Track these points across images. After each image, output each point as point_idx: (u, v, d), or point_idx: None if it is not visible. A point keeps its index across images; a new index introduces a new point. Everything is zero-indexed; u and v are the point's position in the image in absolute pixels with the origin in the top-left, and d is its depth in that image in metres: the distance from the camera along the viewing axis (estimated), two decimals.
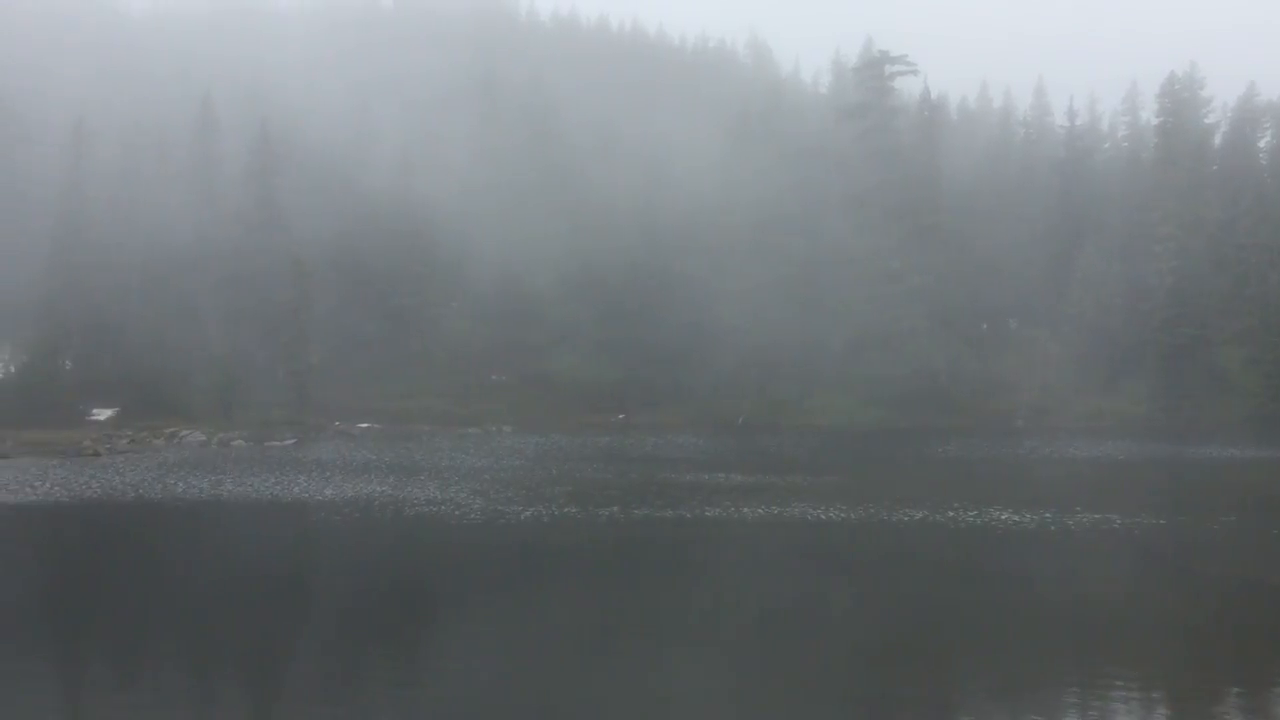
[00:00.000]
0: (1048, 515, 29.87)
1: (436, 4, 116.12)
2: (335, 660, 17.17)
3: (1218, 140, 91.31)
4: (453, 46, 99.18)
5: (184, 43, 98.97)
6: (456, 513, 30.52)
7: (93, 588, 22.59)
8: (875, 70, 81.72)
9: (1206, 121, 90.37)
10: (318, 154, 79.63)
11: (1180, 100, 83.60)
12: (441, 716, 14.81)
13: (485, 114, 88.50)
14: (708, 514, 30.48)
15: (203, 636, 18.64)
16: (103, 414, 61.66)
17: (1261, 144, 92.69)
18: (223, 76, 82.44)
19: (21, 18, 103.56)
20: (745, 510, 31.14)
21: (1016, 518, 29.64)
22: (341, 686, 15.87)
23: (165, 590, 22.31)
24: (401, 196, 77.72)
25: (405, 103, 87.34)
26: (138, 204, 70.92)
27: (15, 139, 78.93)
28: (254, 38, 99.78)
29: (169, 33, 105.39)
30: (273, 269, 68.78)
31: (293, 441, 56.18)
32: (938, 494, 34.13)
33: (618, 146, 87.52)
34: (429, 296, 77.67)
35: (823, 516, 30.17)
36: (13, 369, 65.93)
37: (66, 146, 69.66)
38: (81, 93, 78.97)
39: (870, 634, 19.30)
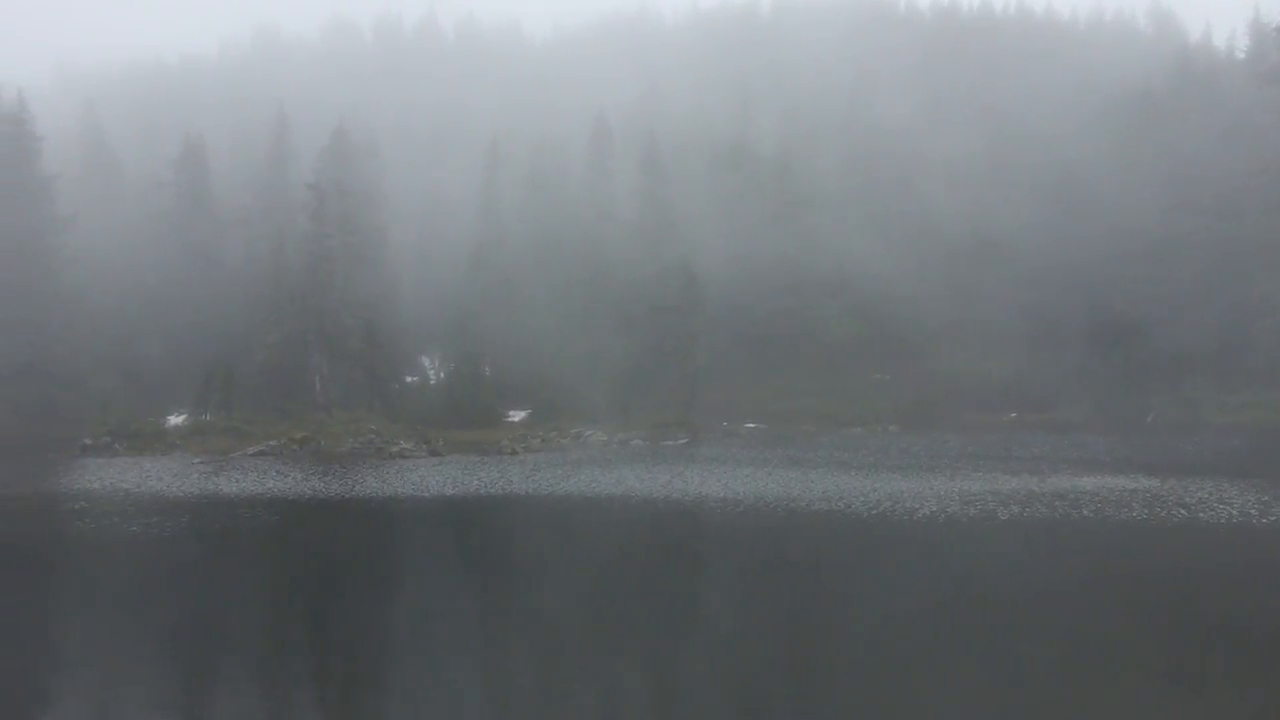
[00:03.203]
0: None
1: (815, 4, 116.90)
2: (719, 654, 17.69)
3: None
4: (831, 45, 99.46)
5: (580, 62, 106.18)
6: (848, 510, 30.53)
7: (514, 576, 24.75)
8: None
9: None
10: (704, 158, 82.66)
11: None
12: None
13: (860, 112, 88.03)
14: (1111, 516, 28.53)
15: (604, 624, 19.83)
16: (517, 415, 67.27)
17: None
18: (615, 91, 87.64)
19: (448, 50, 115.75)
20: (1161, 513, 28.84)
21: None
22: (732, 681, 16.34)
23: (584, 583, 23.95)
24: (784, 193, 79.11)
25: (785, 102, 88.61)
26: (542, 218, 77.03)
27: (439, 161, 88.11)
28: (642, 52, 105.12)
29: (567, 54, 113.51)
30: (664, 274, 72.14)
31: (685, 441, 58.49)
32: None
33: (1005, 130, 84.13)
34: (810, 297, 78.23)
35: (1256, 523, 27.31)
36: (442, 375, 73.46)
37: (481, 166, 76.98)
38: (493, 114, 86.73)
39: None
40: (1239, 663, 16.91)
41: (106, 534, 28.68)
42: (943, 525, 28.00)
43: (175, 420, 63.78)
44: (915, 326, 77.90)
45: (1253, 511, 28.76)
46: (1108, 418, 65.22)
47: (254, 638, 19.31)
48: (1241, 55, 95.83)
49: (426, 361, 77.06)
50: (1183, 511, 29.15)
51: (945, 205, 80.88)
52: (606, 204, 78.34)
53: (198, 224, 77.31)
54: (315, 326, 66.16)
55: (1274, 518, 27.72)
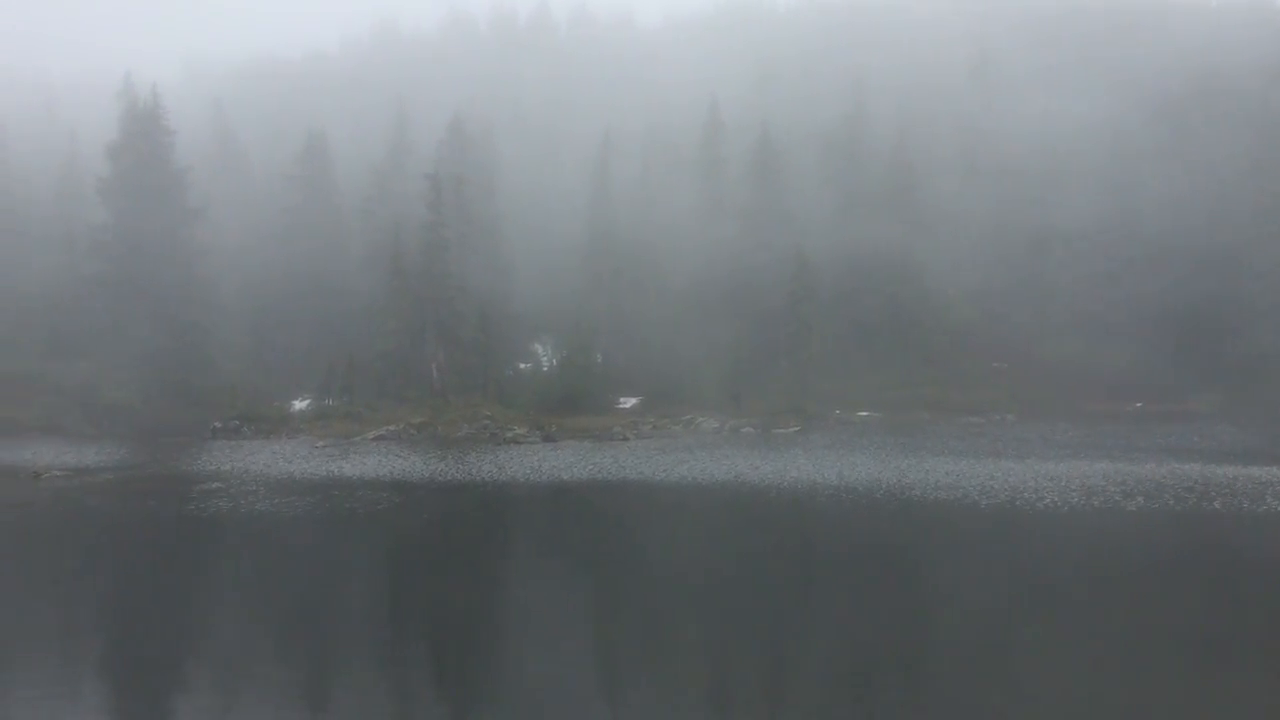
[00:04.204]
0: None
1: None
2: (845, 649, 17.62)
3: None
4: (948, 29, 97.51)
5: (692, 51, 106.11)
6: (965, 499, 30.04)
7: (628, 560, 25.01)
8: None
9: None
10: (816, 145, 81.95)
11: None
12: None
13: (977, 98, 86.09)
14: (1245, 508, 27.50)
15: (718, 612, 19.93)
16: (628, 403, 67.74)
17: None
18: (727, 80, 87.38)
19: (560, 42, 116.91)
20: None
21: None
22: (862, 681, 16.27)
23: (696, 568, 24.11)
24: (897, 180, 78.08)
25: (900, 89, 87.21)
26: (653, 206, 77.36)
27: (551, 151, 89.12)
28: (754, 40, 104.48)
29: (679, 43, 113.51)
30: (775, 262, 71.78)
31: (797, 429, 58.17)
32: None
33: (1130, 112, 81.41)
34: (925, 284, 77.00)
35: None
36: (554, 362, 74.40)
37: (593, 155, 77.63)
38: (605, 104, 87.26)
39: None
40: None
41: (241, 512, 29.88)
42: (1065, 516, 27.39)
43: (300, 405, 66.00)
44: (1034, 314, 76.06)
45: None
46: (1239, 408, 62.76)
47: (381, 613, 19.94)
48: None
49: (539, 348, 78.06)
50: None
51: (1065, 190, 78.69)
52: (718, 192, 78.23)
53: (321, 215, 79.64)
54: (432, 314, 67.68)
55: None
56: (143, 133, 74.50)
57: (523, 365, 75.02)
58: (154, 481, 37.28)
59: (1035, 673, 15.57)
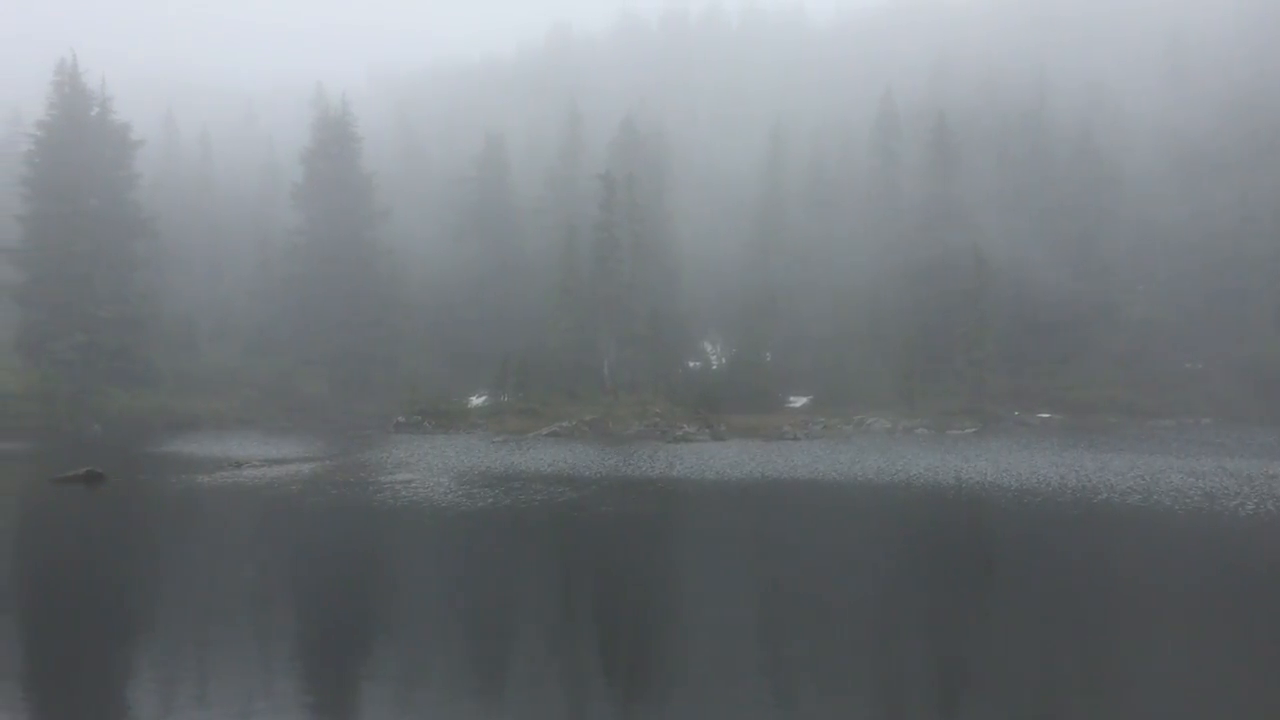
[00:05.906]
0: None
1: None
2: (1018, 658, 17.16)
3: None
4: (1140, 17, 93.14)
5: (865, 43, 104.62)
6: (1158, 506, 28.72)
7: (805, 559, 24.93)
8: None
9: None
10: (995, 138, 79.58)
11: None
12: None
13: (1171, 88, 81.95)
14: None
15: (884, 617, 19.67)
16: (798, 401, 67.41)
17: None
18: (901, 72, 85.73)
19: (731, 38, 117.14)
20: None
21: None
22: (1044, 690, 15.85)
23: (870, 570, 23.85)
24: (1082, 175, 75.14)
25: (1087, 78, 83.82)
26: (824, 201, 76.69)
27: (722, 148, 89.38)
28: (930, 30, 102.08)
29: (851, 36, 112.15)
30: (950, 259, 70.12)
31: (973, 431, 56.73)
32: None
33: None
34: (1111, 280, 73.91)
35: None
36: (723, 360, 74.62)
37: (764, 151, 77.60)
38: (777, 99, 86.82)
39: None
40: None
41: (433, 502, 31.12)
42: (1268, 524, 25.90)
43: (477, 401, 68.23)
44: (1232, 314, 71.91)
45: None
46: None
47: (560, 604, 20.48)
48: None
49: (709, 346, 78.46)
50: None
51: (1265, 184, 74.01)
52: (891, 186, 76.96)
53: (498, 216, 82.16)
54: (604, 312, 68.84)
55: None
56: (333, 139, 78.36)
57: (692, 363, 75.50)
58: (346, 472, 39.14)
59: (1235, 695, 14.84)
